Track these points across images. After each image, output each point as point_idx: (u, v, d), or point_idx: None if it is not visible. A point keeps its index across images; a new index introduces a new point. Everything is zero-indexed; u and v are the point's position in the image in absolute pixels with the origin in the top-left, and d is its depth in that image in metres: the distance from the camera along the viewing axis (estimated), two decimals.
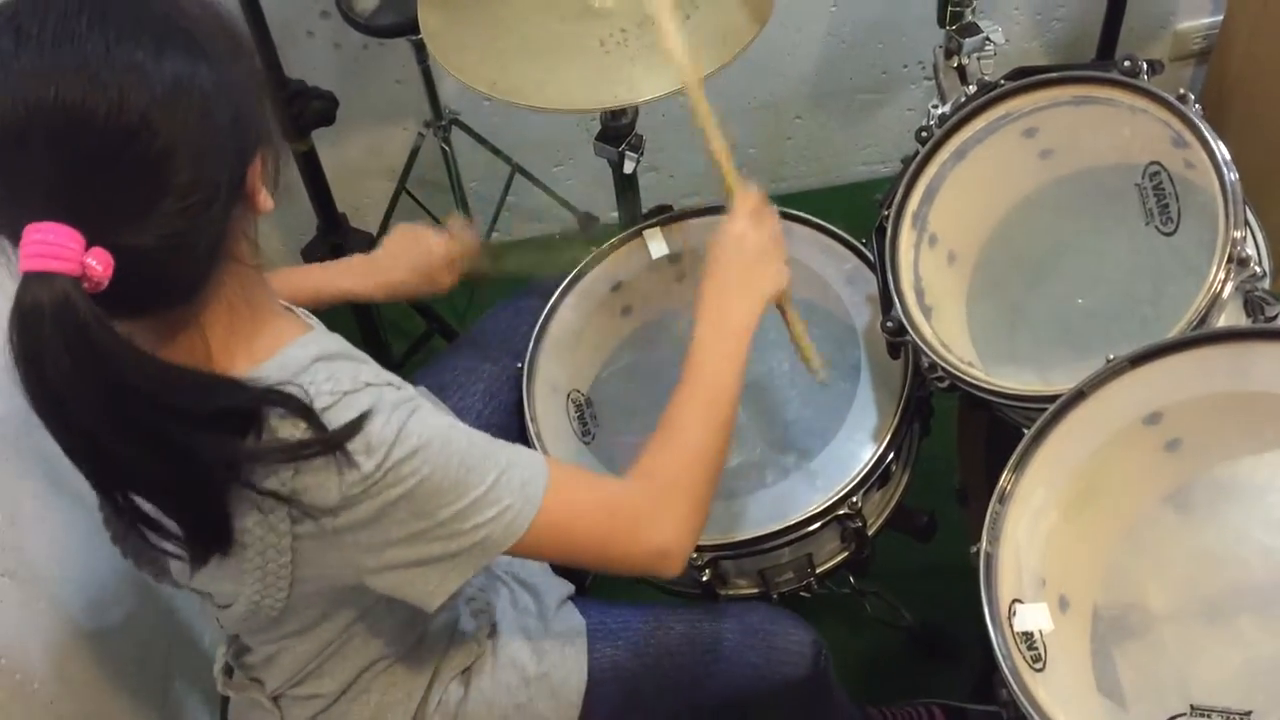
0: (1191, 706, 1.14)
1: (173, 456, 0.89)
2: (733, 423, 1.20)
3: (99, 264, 0.82)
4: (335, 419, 0.94)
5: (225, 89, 0.90)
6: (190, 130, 0.86)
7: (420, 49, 2.05)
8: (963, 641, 1.82)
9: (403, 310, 2.19)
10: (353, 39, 2.16)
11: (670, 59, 1.28)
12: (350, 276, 1.46)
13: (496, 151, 2.29)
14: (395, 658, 1.19)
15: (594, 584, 1.71)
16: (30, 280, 0.80)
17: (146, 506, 0.94)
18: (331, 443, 0.93)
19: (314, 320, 1.11)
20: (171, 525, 0.95)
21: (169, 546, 0.96)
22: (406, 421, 0.97)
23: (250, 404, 0.92)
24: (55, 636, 1.41)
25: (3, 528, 1.35)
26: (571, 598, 1.35)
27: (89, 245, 0.82)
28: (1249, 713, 1.12)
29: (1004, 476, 1.18)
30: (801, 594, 1.46)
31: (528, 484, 1.03)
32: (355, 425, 0.93)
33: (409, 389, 1.03)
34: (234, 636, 1.21)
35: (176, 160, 0.85)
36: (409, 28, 1.84)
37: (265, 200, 0.97)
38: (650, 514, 1.11)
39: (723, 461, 1.18)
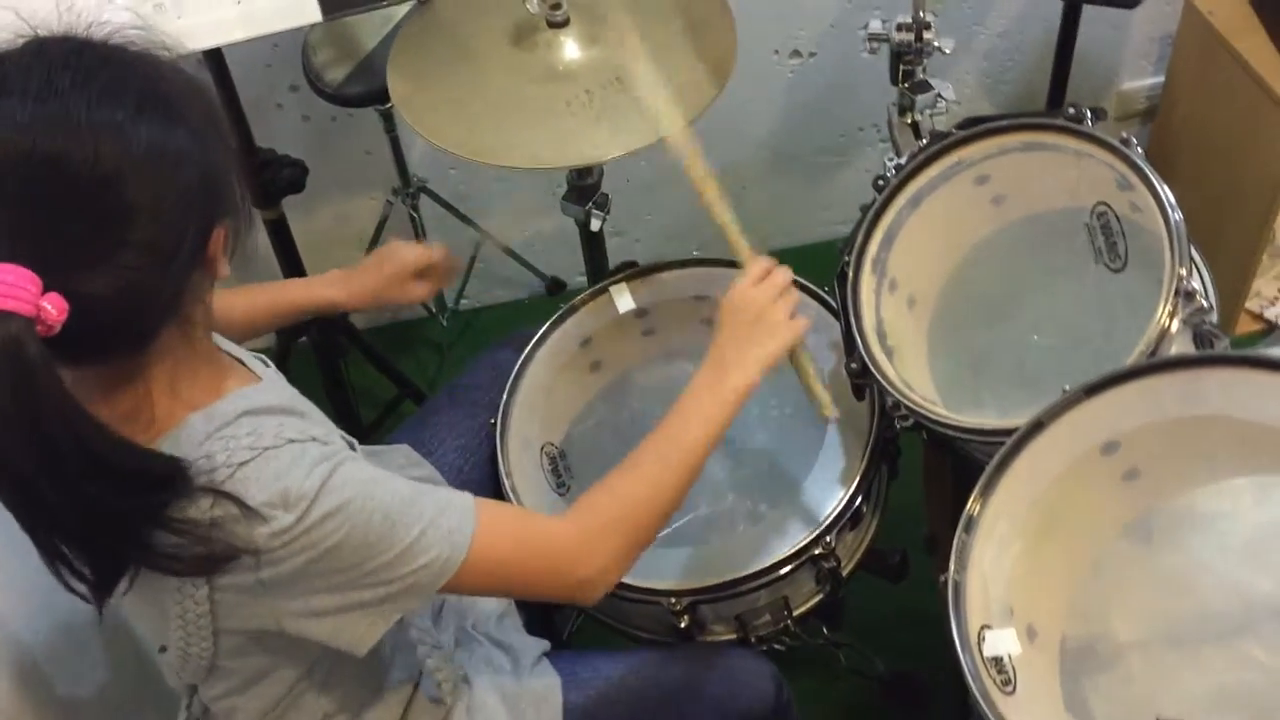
0: None
1: (90, 507, 0.90)
2: (695, 478, 1.23)
3: (54, 308, 0.84)
4: (252, 474, 0.95)
5: (197, 156, 0.93)
6: (158, 190, 0.89)
7: (388, 119, 2.10)
8: (934, 688, 1.83)
9: (373, 377, 2.20)
10: (321, 111, 2.20)
11: (659, 120, 1.31)
12: (327, 286, 1.50)
13: (464, 218, 2.33)
14: (353, 714, 1.19)
15: (572, 637, 1.72)
16: None
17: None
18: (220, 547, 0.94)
19: (267, 370, 1.13)
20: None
21: (80, 588, 0.96)
22: (329, 477, 0.98)
23: (165, 473, 0.93)
24: (10, 679, 1.37)
25: None
26: (546, 654, 1.36)
27: (45, 289, 0.84)
28: None
29: (970, 503, 1.19)
30: (777, 645, 1.48)
31: (454, 532, 1.05)
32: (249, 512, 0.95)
33: (337, 443, 1.04)
34: (192, 690, 1.20)
35: (141, 217, 0.88)
36: (377, 97, 1.88)
37: (223, 267, 1.00)
38: (578, 552, 1.14)
39: (674, 510, 1.21)
